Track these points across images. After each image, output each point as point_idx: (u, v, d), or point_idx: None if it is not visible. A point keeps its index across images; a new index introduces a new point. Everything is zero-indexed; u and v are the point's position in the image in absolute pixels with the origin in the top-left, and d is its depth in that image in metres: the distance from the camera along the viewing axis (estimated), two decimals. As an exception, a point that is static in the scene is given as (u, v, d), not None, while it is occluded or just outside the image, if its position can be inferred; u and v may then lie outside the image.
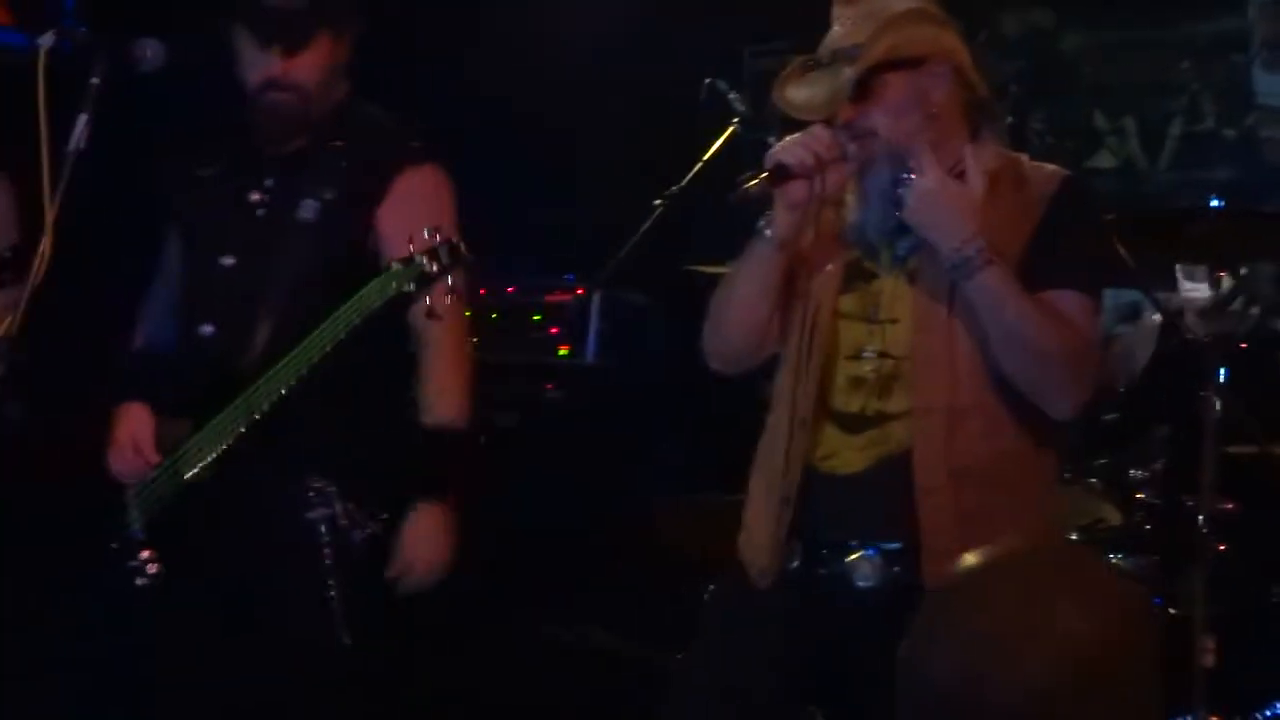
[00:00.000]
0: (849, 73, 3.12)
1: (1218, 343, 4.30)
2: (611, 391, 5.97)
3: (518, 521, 5.68)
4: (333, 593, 3.63)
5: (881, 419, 3.20)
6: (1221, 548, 4.18)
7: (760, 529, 3.32)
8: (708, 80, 4.94)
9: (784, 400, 3.31)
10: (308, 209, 3.69)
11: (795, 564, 3.25)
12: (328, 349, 3.45)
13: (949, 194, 3.13)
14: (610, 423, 6.05)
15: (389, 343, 3.65)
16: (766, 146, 5.03)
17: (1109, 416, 4.64)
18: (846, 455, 3.22)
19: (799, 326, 3.29)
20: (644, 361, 5.99)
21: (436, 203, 3.74)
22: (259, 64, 3.68)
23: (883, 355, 3.22)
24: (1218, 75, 5.93)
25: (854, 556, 3.19)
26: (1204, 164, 5.95)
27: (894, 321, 3.22)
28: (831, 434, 3.24)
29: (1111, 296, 5.82)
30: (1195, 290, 5.03)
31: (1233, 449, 4.20)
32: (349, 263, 3.58)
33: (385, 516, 3.72)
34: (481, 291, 6.01)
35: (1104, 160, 6.02)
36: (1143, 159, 6.04)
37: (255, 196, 3.76)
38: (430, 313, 3.38)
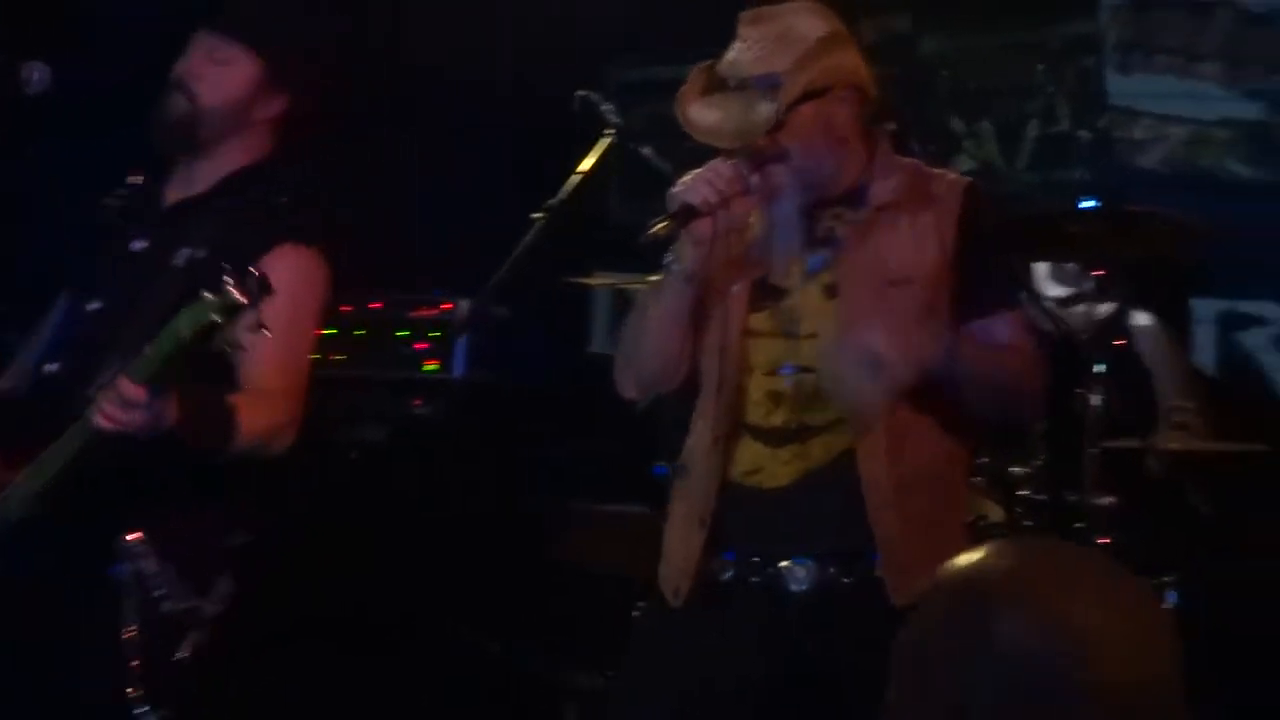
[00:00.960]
0: (767, 108, 3.13)
1: (1094, 339, 4.39)
2: (481, 406, 5.94)
3: (389, 535, 5.64)
4: (133, 660, 3.43)
5: (804, 432, 3.23)
6: (1104, 541, 4.27)
7: (677, 550, 3.32)
8: (579, 93, 4.93)
9: (703, 421, 3.32)
10: (181, 257, 3.62)
11: (727, 576, 3.26)
12: (146, 377, 3.29)
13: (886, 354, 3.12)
14: (481, 437, 6.03)
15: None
16: (640, 158, 5.06)
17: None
18: (771, 469, 3.24)
19: (711, 348, 3.30)
20: (514, 375, 5.97)
21: (302, 288, 3.66)
22: (182, 62, 3.65)
23: (803, 370, 3.24)
24: (1072, 78, 6.03)
25: (786, 563, 3.21)
26: (1060, 165, 6.05)
27: (814, 336, 3.24)
28: (753, 449, 3.26)
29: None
30: (1061, 290, 5.12)
31: (1111, 443, 4.30)
32: None
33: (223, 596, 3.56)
34: (346, 308, 5.96)
35: (963, 163, 6.08)
36: (1000, 161, 6.13)
37: (139, 245, 3.69)
38: (234, 344, 3.25)
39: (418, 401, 5.88)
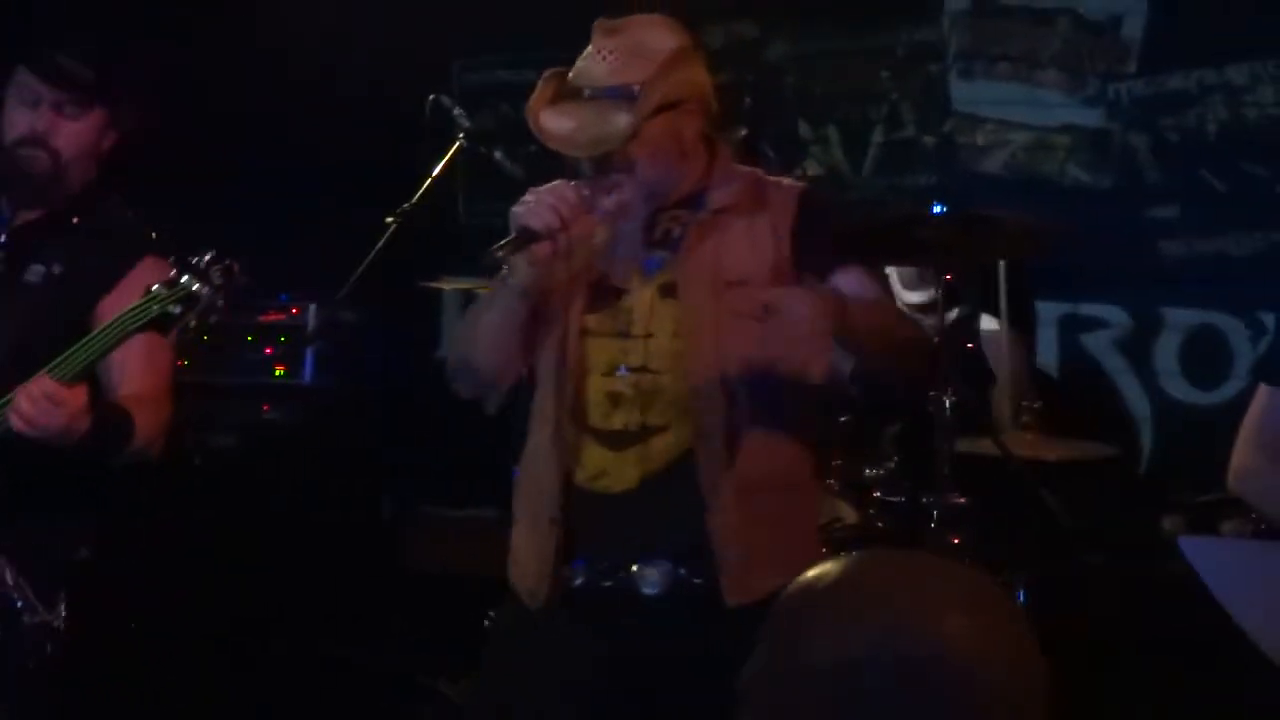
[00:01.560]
0: (621, 120, 3.14)
1: (946, 342, 4.44)
2: (330, 410, 5.91)
3: (242, 543, 5.59)
4: None
5: (645, 433, 3.23)
6: (955, 541, 4.32)
7: (527, 552, 3.32)
8: (432, 96, 4.92)
9: (542, 420, 3.32)
10: (34, 274, 3.55)
11: (579, 581, 3.26)
12: (78, 373, 3.24)
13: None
14: (331, 441, 5.99)
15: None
16: (491, 161, 5.05)
17: (843, 418, 4.76)
18: (616, 473, 3.24)
19: (549, 348, 3.30)
20: (363, 379, 5.94)
21: None
22: (25, 116, 3.56)
23: (641, 370, 3.25)
24: (916, 84, 6.11)
25: (638, 566, 3.21)
26: (906, 170, 6.13)
27: (650, 336, 3.25)
28: (596, 452, 3.26)
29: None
30: (913, 295, 5.20)
31: (962, 445, 4.35)
32: (65, 337, 3.36)
33: (64, 611, 3.48)
34: (193, 313, 5.88)
35: (809, 168, 6.14)
36: (847, 167, 6.19)
37: None
38: (192, 330, 3.25)
39: (266, 407, 5.83)
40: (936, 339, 4.41)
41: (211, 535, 5.57)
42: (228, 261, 3.20)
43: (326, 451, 5.92)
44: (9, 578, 3.41)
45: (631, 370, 3.25)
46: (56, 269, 3.55)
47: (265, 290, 5.83)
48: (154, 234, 3.68)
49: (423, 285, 5.61)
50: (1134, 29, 5.87)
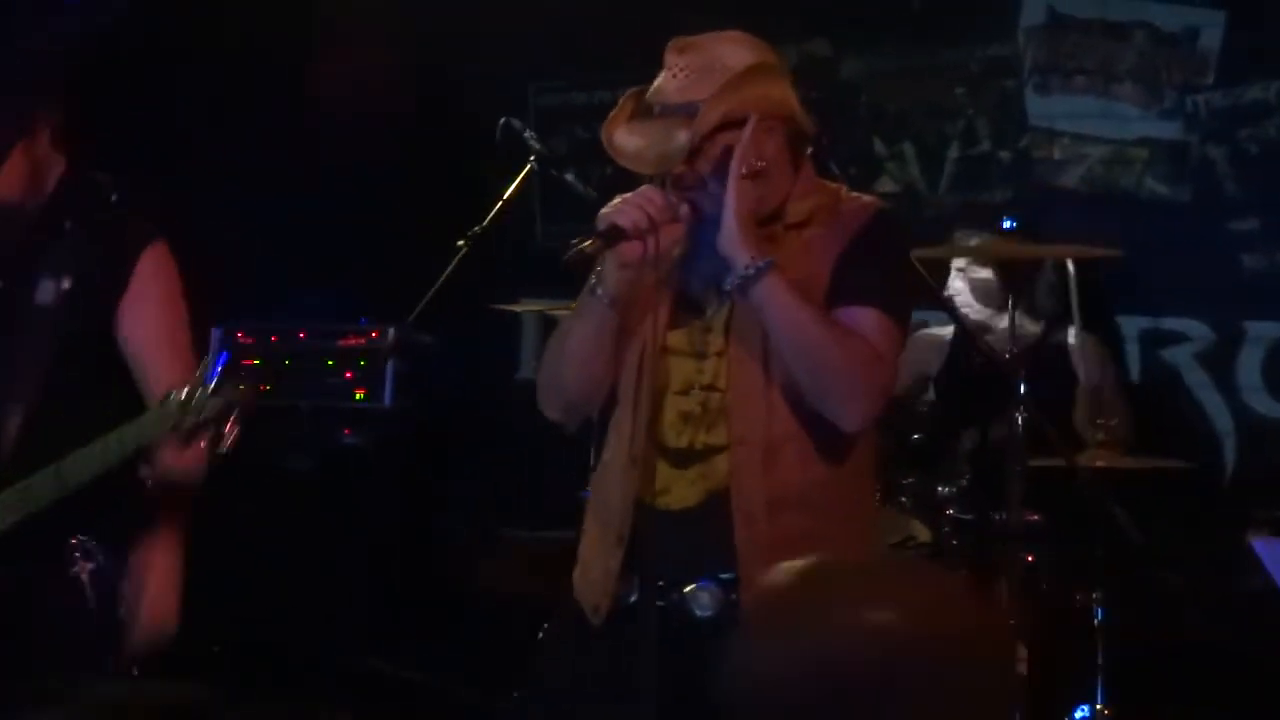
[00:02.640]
0: (683, 137, 3.14)
1: (1016, 359, 4.43)
2: (412, 434, 5.94)
3: (323, 563, 5.63)
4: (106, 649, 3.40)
5: (708, 452, 3.23)
6: (1029, 558, 4.31)
7: (595, 566, 3.32)
8: (503, 119, 4.94)
9: (619, 438, 3.33)
10: (45, 292, 3.48)
11: (633, 598, 3.27)
12: (95, 474, 3.27)
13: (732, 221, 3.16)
14: (412, 464, 6.03)
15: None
16: (563, 184, 5.09)
17: (916, 436, 4.75)
18: (678, 490, 3.24)
19: (630, 365, 3.31)
20: (443, 403, 5.97)
21: (172, 285, 3.60)
22: None
23: (709, 389, 3.25)
24: (991, 100, 6.09)
25: (691, 588, 3.21)
26: (981, 186, 6.10)
27: (719, 355, 3.26)
28: (663, 470, 3.27)
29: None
30: (984, 310, 5.18)
31: (1035, 462, 4.34)
32: (94, 351, 3.43)
33: None
34: (273, 338, 5.94)
35: (885, 186, 6.13)
36: (922, 183, 6.17)
37: None
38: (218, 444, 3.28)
39: (347, 431, 5.87)
40: (1008, 353, 4.43)
41: (293, 558, 5.62)
42: (244, 383, 3.20)
43: (406, 475, 5.96)
44: (108, 564, 3.45)
45: (701, 389, 3.26)
46: (65, 283, 3.48)
47: (346, 314, 5.87)
48: (144, 219, 3.60)
49: (497, 308, 5.63)
50: (1211, 40, 5.82)
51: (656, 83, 3.25)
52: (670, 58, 3.24)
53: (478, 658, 5.52)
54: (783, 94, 3.27)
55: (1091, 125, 5.97)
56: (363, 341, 5.88)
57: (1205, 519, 5.52)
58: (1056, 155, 6.01)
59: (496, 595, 5.86)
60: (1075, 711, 4.82)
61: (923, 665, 1.69)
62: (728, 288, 3.22)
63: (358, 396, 5.88)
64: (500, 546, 6.14)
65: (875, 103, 6.22)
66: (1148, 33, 5.91)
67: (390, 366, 5.82)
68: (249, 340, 6.08)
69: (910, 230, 3.45)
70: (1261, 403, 5.77)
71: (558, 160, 5.22)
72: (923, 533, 4.60)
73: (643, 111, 3.24)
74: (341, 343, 5.89)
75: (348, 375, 5.89)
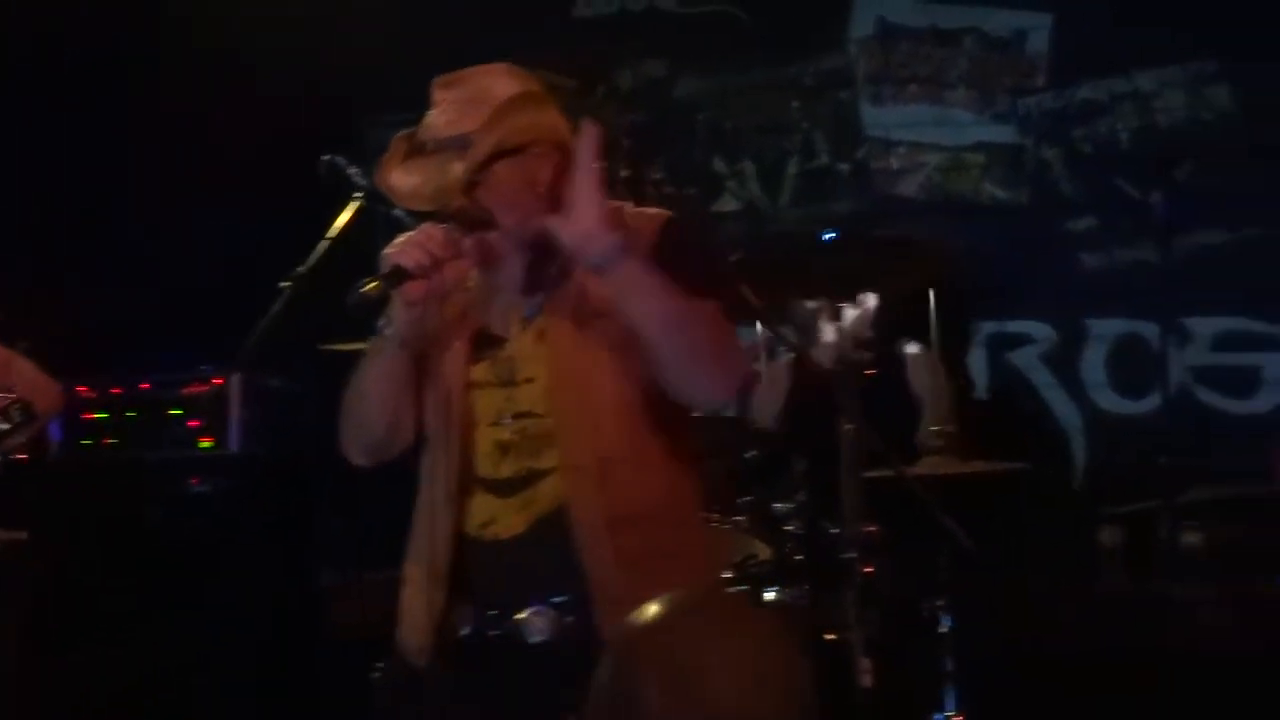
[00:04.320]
0: (458, 169, 3.13)
1: (847, 372, 4.42)
2: (260, 480, 5.88)
3: (178, 615, 5.56)
4: None
5: (533, 477, 3.21)
6: (868, 570, 4.29)
7: (416, 607, 3.29)
8: (324, 157, 4.88)
9: (431, 478, 3.30)
10: None
11: (466, 631, 3.24)
12: None
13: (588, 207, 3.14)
14: (262, 511, 5.95)
15: None
16: (395, 220, 5.04)
17: (750, 454, 4.73)
18: (505, 519, 3.22)
19: (437, 404, 3.28)
20: (291, 445, 5.91)
21: None
22: None
23: (525, 415, 3.23)
24: (827, 113, 6.11)
25: (524, 614, 3.18)
26: (822, 199, 6.12)
27: (530, 381, 3.24)
28: (486, 501, 3.24)
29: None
30: (832, 324, 5.17)
31: (871, 474, 4.32)
32: None
33: None
34: (115, 390, 5.87)
35: (727, 204, 6.14)
36: (764, 199, 6.18)
37: None
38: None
39: (195, 480, 5.80)
40: (836, 367, 4.41)
41: (144, 610, 5.54)
42: (25, 400, 3.15)
43: (257, 522, 5.89)
44: None
45: (516, 417, 3.24)
46: None
47: (187, 362, 5.82)
48: None
49: (331, 349, 5.57)
50: (1040, 43, 5.88)
51: (426, 120, 3.23)
52: (438, 94, 3.23)
53: (335, 702, 5.46)
54: (554, 121, 3.27)
55: (927, 133, 6.01)
56: (206, 389, 5.85)
57: (1058, 518, 5.55)
58: (894, 165, 6.04)
59: (358, 638, 5.80)
60: (926, 721, 4.83)
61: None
62: (528, 314, 3.21)
63: (203, 445, 5.87)
64: (363, 588, 6.07)
65: (713, 121, 6.22)
66: (977, 38, 5.95)
67: (236, 413, 5.79)
68: (91, 394, 6.03)
69: (707, 229, 3.42)
70: (1107, 399, 5.81)
71: (386, 195, 5.16)
72: (763, 551, 4.57)
73: (416, 150, 3.23)
74: (184, 391, 5.87)
75: (192, 424, 5.86)
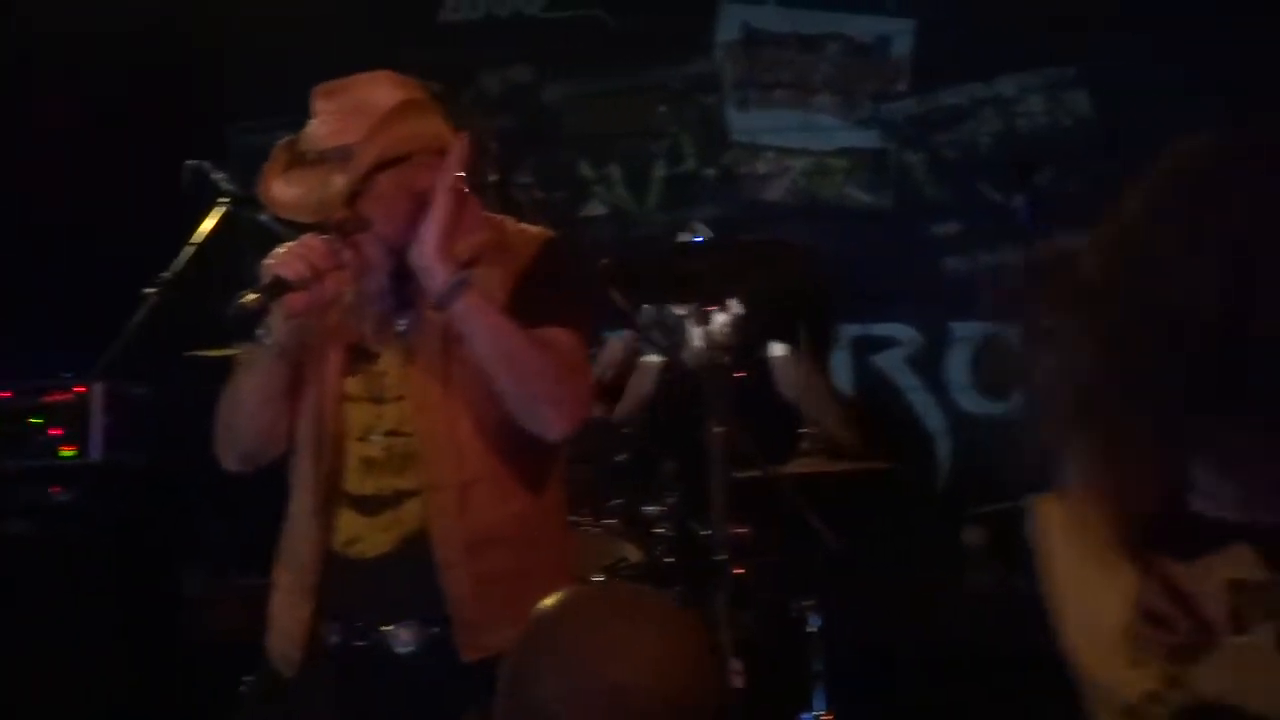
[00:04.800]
0: (340, 181, 3.11)
1: (715, 374, 4.45)
2: (125, 487, 5.80)
3: (50, 627, 5.48)
4: None
5: (399, 497, 3.20)
6: (739, 571, 4.32)
7: (285, 617, 3.28)
8: (188, 162, 4.84)
9: (301, 488, 3.28)
10: None
11: (333, 640, 3.22)
12: None
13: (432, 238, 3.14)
14: (127, 519, 5.88)
15: None
16: (261, 226, 5.00)
17: (619, 457, 4.75)
18: (371, 538, 3.21)
19: (309, 414, 3.26)
20: (154, 452, 5.84)
21: None
22: None
23: (393, 434, 3.22)
24: (693, 117, 6.14)
25: (391, 627, 3.18)
26: (688, 203, 6.15)
27: (400, 399, 3.23)
28: (351, 518, 3.23)
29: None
30: (699, 328, 5.20)
31: (739, 474, 4.36)
32: None
33: None
34: (-27, 399, 5.77)
35: (594, 208, 6.16)
36: (631, 203, 6.20)
37: None
38: None
39: (57, 489, 5.72)
40: (702, 370, 4.45)
41: (9, 624, 5.45)
42: None
43: (122, 530, 5.81)
44: None
45: (384, 435, 3.22)
46: None
47: (47, 369, 5.73)
48: None
49: (198, 355, 5.52)
50: (903, 48, 5.95)
51: (306, 130, 3.21)
52: (319, 104, 3.20)
53: (204, 711, 5.41)
54: (436, 129, 3.25)
55: (792, 138, 6.07)
56: (68, 397, 5.76)
57: (923, 518, 5.62)
58: (760, 169, 6.09)
59: (235, 642, 5.74)
60: (796, 721, 4.87)
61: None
62: (401, 330, 3.20)
63: (64, 453, 5.78)
64: (235, 593, 6.02)
65: (579, 126, 6.24)
66: (841, 44, 6.01)
67: (99, 420, 5.71)
68: (-52, 406, 5.90)
69: (585, 253, 3.43)
70: (970, 401, 5.89)
71: (252, 200, 5.12)
72: (634, 554, 4.60)
73: (297, 160, 3.20)
74: (45, 399, 5.77)
75: (54, 432, 5.77)
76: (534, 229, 3.38)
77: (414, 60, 6.23)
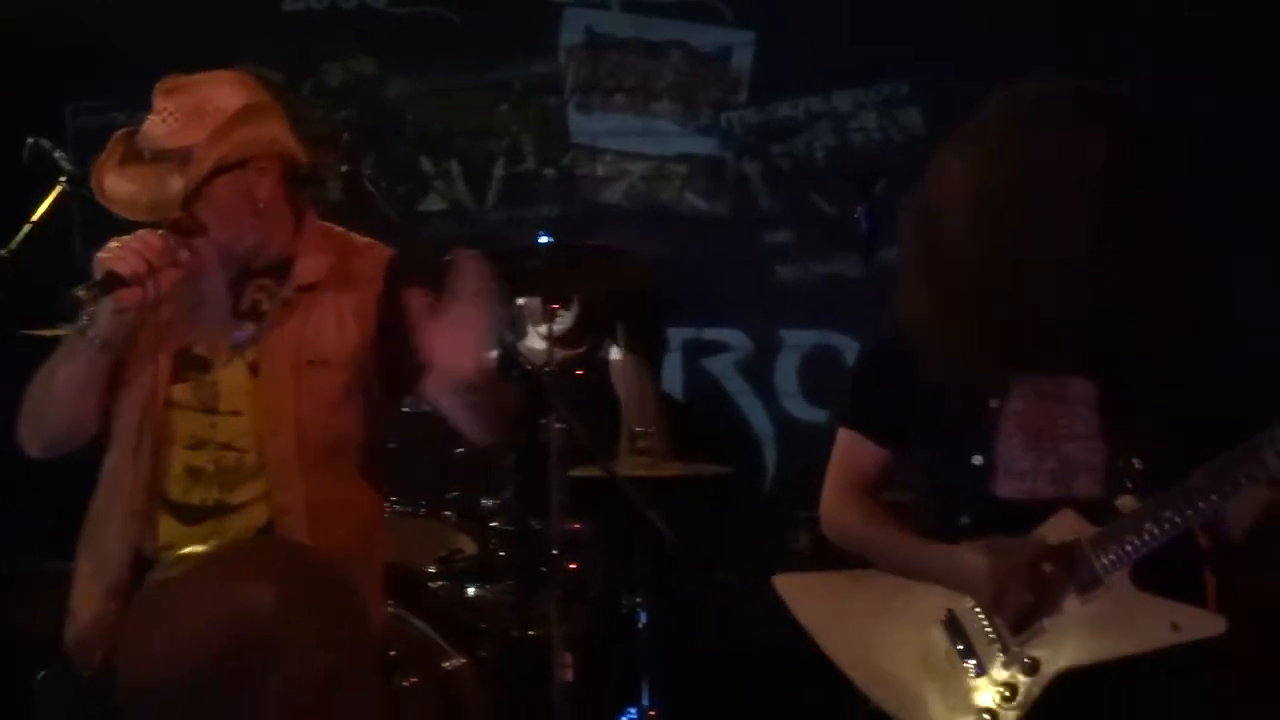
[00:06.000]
0: (178, 183, 3.10)
1: (555, 372, 4.51)
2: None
3: None
4: None
5: (222, 510, 3.19)
6: (572, 566, 4.38)
7: (85, 614, 3.23)
8: (30, 140, 4.77)
9: (114, 486, 3.24)
10: None
11: None
12: None
13: None
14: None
15: None
16: (97, 205, 4.94)
17: (459, 450, 4.77)
18: (186, 546, 3.19)
19: (129, 415, 3.23)
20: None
21: None
22: None
23: (225, 447, 3.20)
24: (535, 118, 6.18)
25: None
26: (528, 203, 6.18)
27: (236, 414, 3.21)
28: (170, 524, 3.20)
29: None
30: (541, 328, 5.23)
31: (578, 472, 4.41)
32: None
33: None
34: None
35: (434, 203, 6.17)
36: (470, 200, 6.22)
37: None
38: None
39: None
40: (547, 368, 4.50)
41: None
42: None
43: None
44: None
45: (215, 447, 3.21)
46: None
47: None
48: None
49: (27, 334, 5.44)
50: (743, 59, 6.03)
51: (144, 127, 3.19)
52: (158, 101, 3.19)
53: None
54: (277, 133, 3.25)
55: (632, 142, 6.12)
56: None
57: (750, 521, 5.70)
58: (599, 172, 6.14)
59: (34, 631, 5.66)
60: (622, 715, 4.93)
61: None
62: (238, 344, 3.20)
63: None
64: (45, 577, 5.93)
65: (421, 122, 6.24)
66: (684, 52, 6.08)
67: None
68: None
69: (423, 257, 3.42)
70: (798, 407, 6.00)
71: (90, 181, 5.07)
72: (469, 546, 4.64)
73: (134, 156, 3.18)
74: None
75: None
76: (376, 250, 3.36)
77: (255, 48, 6.26)
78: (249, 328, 3.24)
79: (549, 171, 6.18)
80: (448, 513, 4.65)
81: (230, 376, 3.22)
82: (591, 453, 3.98)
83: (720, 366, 6.05)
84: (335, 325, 3.21)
